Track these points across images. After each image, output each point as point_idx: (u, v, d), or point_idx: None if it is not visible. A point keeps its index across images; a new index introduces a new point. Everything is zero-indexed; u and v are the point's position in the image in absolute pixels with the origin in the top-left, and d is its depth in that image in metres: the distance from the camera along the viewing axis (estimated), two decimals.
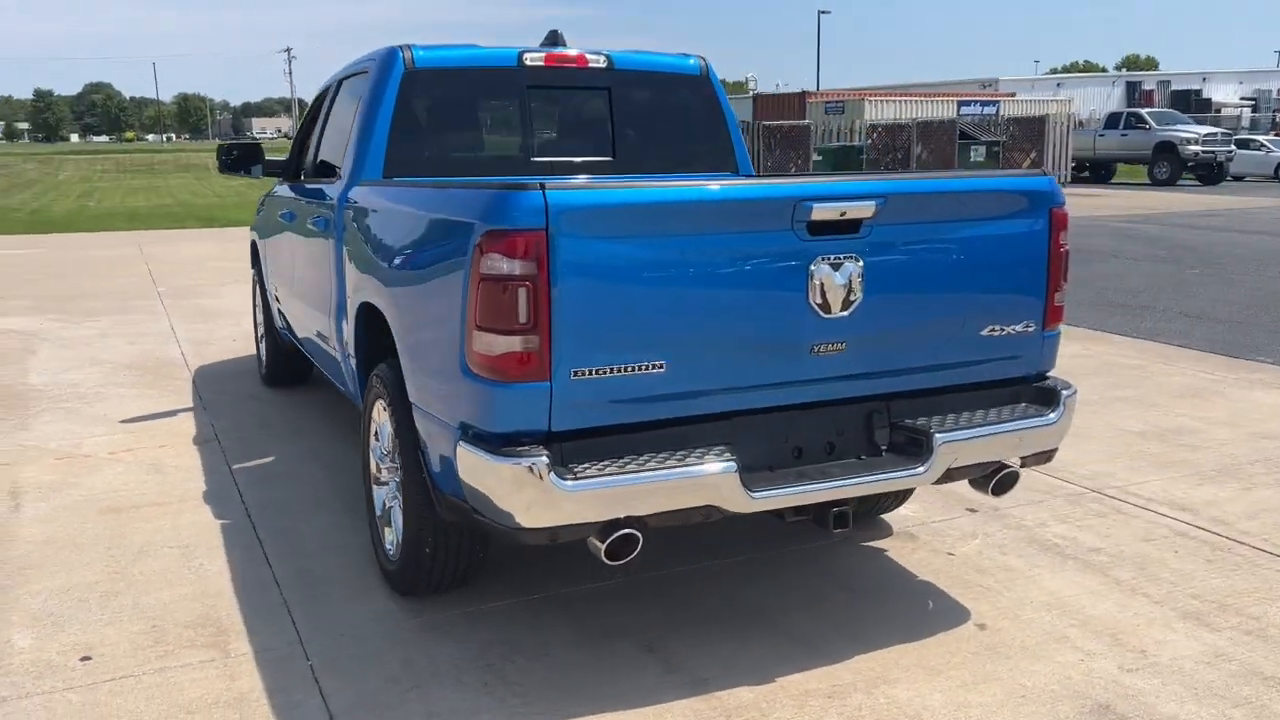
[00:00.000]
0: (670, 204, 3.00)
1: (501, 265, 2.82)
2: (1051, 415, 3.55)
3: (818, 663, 3.43)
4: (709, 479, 3.01)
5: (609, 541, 2.97)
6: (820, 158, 26.68)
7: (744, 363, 3.13)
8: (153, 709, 3.17)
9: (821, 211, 3.08)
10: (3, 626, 3.71)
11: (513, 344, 2.86)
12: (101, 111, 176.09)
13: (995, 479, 3.53)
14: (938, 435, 3.32)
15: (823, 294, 3.14)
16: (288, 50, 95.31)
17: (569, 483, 2.87)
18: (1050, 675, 3.35)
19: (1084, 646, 3.53)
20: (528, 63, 4.74)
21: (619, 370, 2.95)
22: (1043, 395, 3.62)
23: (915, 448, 3.36)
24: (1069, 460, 5.46)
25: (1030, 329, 3.55)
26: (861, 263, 3.18)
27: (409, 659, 3.47)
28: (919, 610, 3.82)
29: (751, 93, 55.16)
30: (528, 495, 2.88)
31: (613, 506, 2.95)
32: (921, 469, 3.31)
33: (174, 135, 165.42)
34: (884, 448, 3.42)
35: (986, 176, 3.64)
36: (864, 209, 3.14)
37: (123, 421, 6.44)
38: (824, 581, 4.06)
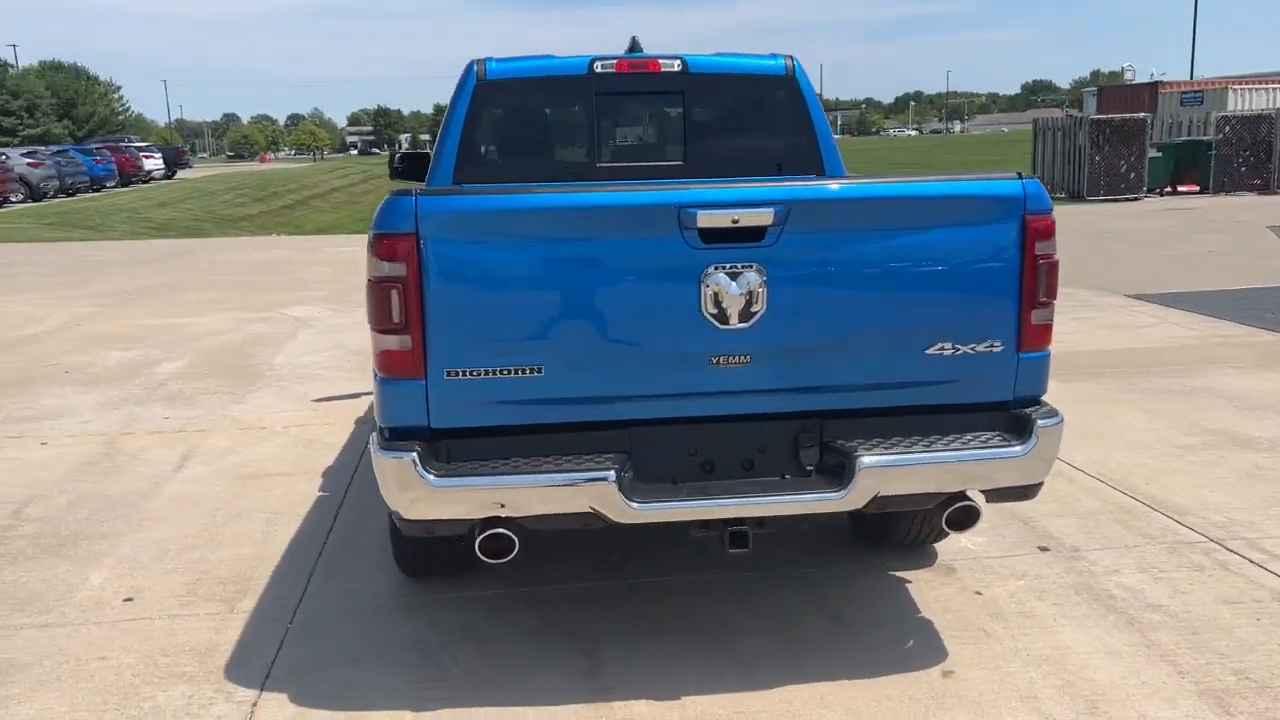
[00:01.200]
0: (542, 210, 3.02)
1: (382, 268, 2.99)
2: (1017, 447, 3.17)
3: (740, 688, 3.30)
4: (584, 486, 3.00)
5: (479, 539, 3.04)
6: (1159, 154, 24.13)
7: (636, 371, 3.09)
8: (142, 647, 3.65)
9: (709, 219, 2.97)
10: (94, 565, 4.38)
11: (390, 343, 3.02)
12: None
13: (948, 512, 3.21)
14: (862, 459, 3.08)
15: (717, 304, 3.02)
16: None
17: (434, 478, 2.99)
18: None
19: (1047, 711, 3.14)
20: (598, 70, 4.84)
21: (493, 373, 3.02)
22: (1017, 424, 3.24)
23: (840, 471, 3.14)
24: (1212, 504, 4.77)
25: (997, 349, 3.19)
26: (765, 272, 3.02)
27: (369, 634, 3.73)
28: (892, 648, 3.55)
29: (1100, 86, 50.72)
30: (403, 488, 3.02)
31: (483, 505, 3.02)
32: (837, 494, 3.09)
33: None
34: (811, 468, 3.22)
35: (930, 181, 3.29)
36: (760, 217, 2.99)
37: (315, 400, 7.23)
38: (816, 606, 3.86)
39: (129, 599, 4.05)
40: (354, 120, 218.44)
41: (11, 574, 4.31)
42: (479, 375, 3.02)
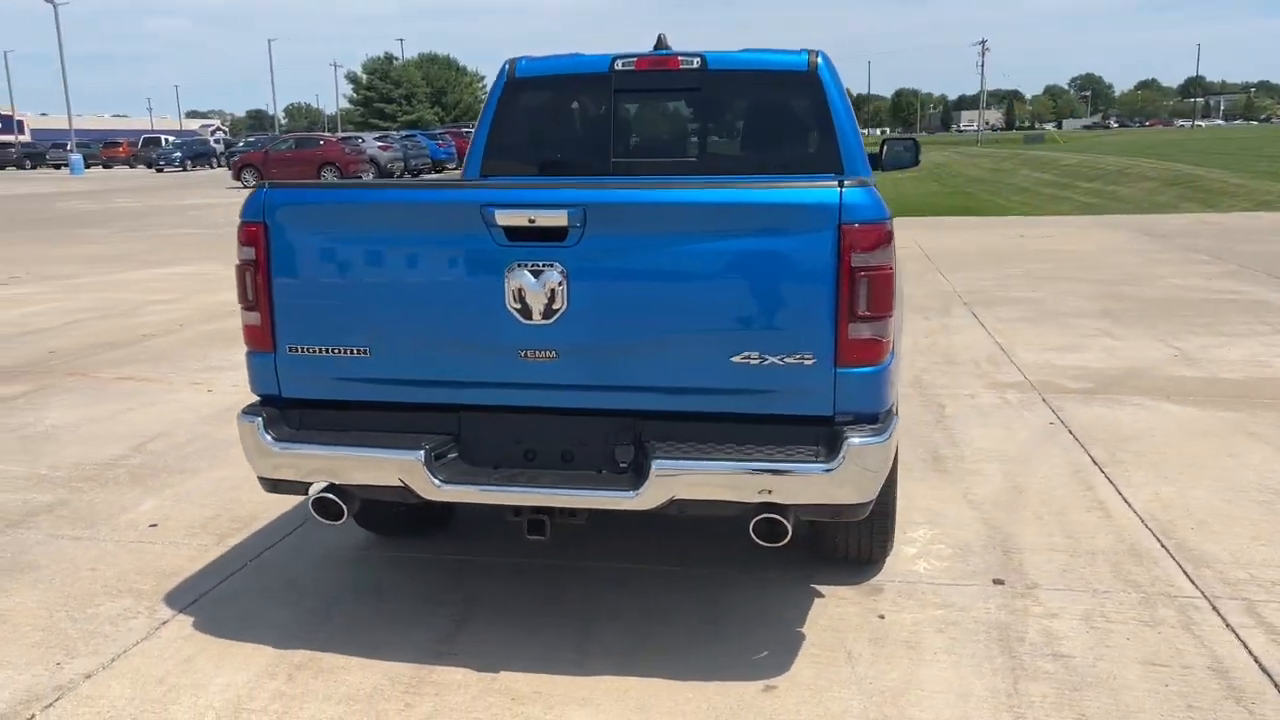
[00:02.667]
0: (363, 204, 3.28)
1: (241, 252, 3.38)
2: (819, 464, 3.05)
3: (560, 671, 3.41)
4: (395, 461, 3.25)
5: (311, 501, 3.37)
6: None
7: (455, 359, 3.27)
8: (128, 564, 4.30)
9: (506, 217, 3.10)
10: (155, 495, 5.16)
11: (248, 319, 3.41)
12: None
13: (753, 523, 3.15)
14: (655, 461, 3.10)
15: (521, 300, 3.14)
16: (982, 42, 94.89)
17: (271, 440, 3.35)
18: None
19: None
20: (618, 68, 4.97)
21: (326, 351, 3.33)
22: (832, 440, 3.11)
23: (641, 471, 3.17)
24: (1249, 558, 4.20)
25: (809, 362, 3.07)
26: (566, 272, 3.11)
27: (296, 578, 4.17)
28: (739, 657, 3.50)
29: None
30: (252, 449, 3.42)
31: (313, 470, 3.35)
32: (631, 494, 3.13)
33: (888, 129, 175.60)
34: (625, 466, 3.26)
35: (739, 188, 3.17)
36: (555, 218, 3.07)
37: None
38: (703, 608, 3.85)
39: (154, 524, 4.76)
40: None
41: (93, 495, 5.17)
42: (315, 352, 3.35)
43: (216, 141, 64.32)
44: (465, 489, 3.25)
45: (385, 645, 3.60)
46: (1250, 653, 3.47)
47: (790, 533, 3.15)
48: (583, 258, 3.11)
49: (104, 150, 64.05)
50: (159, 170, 53.82)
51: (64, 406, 6.93)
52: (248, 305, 3.40)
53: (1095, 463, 5.45)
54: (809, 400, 3.12)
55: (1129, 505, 4.83)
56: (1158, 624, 3.68)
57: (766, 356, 3.08)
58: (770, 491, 3.09)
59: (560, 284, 3.12)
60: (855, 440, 3.05)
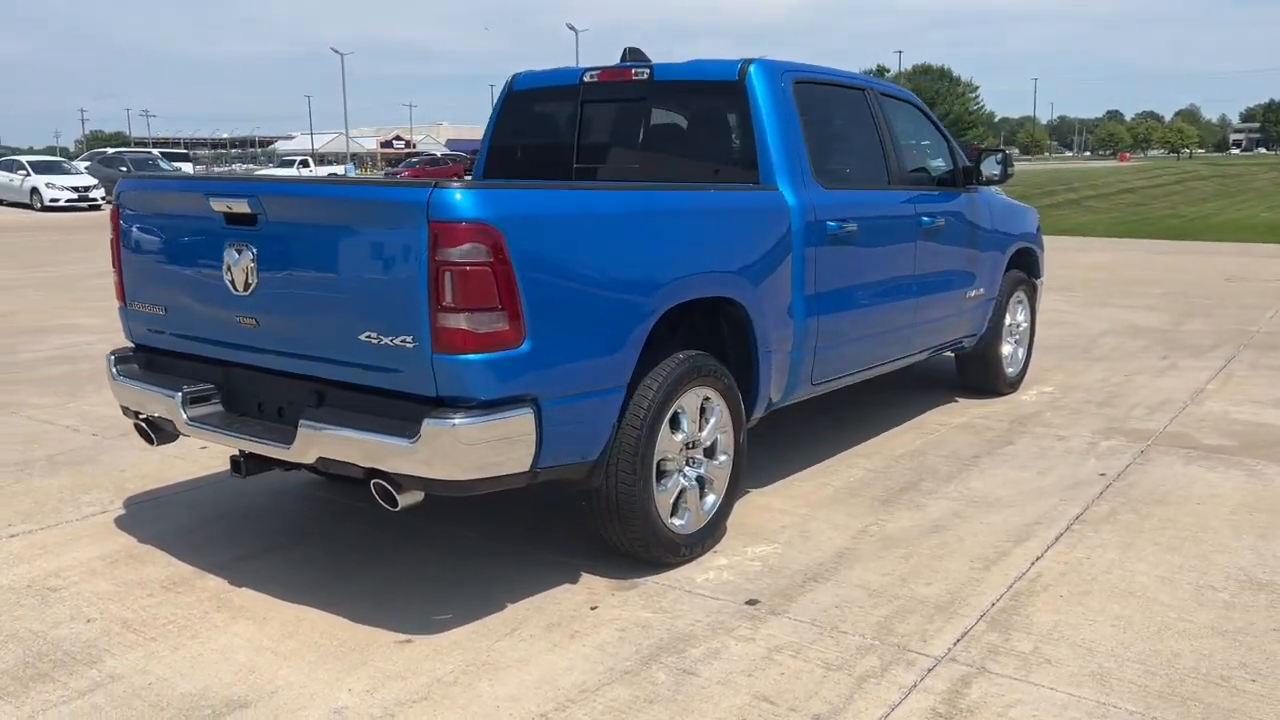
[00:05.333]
0: (154, 191, 4.10)
1: (110, 228, 4.35)
2: (403, 439, 3.34)
3: (281, 597, 3.94)
4: (163, 400, 4.03)
5: (134, 425, 4.27)
6: None
7: (206, 321, 3.96)
8: (145, 471, 5.50)
9: (215, 204, 3.73)
10: None
11: (114, 279, 4.37)
12: None
13: (371, 484, 3.51)
14: (302, 422, 3.58)
15: (230, 273, 3.76)
16: None
17: (115, 375, 4.29)
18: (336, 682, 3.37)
19: (381, 692, 3.31)
20: (585, 80, 5.31)
21: (142, 307, 4.19)
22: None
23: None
24: (1076, 639, 3.66)
25: (410, 345, 3.34)
26: (254, 251, 3.68)
27: (223, 499, 5.08)
28: (427, 613, 3.79)
29: None
30: (109, 382, 4.38)
31: (132, 402, 4.23)
32: (287, 446, 3.63)
33: None
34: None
35: (353, 184, 3.45)
36: (239, 205, 3.65)
37: None
38: (457, 574, 4.17)
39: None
40: (1248, 116, 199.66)
41: None
42: (139, 308, 4.23)
43: None
44: (199, 429, 3.95)
45: (200, 554, 4.39)
46: (888, 713, 3.14)
47: (399, 500, 3.47)
48: (265, 241, 3.66)
49: None
50: None
51: None
52: (113, 268, 4.37)
53: (1078, 519, 4.81)
54: (417, 380, 3.40)
55: (1032, 563, 4.29)
56: (838, 669, 3.41)
57: (381, 337, 3.42)
58: (377, 458, 3.44)
59: (252, 262, 3.70)
60: (431, 423, 3.30)
